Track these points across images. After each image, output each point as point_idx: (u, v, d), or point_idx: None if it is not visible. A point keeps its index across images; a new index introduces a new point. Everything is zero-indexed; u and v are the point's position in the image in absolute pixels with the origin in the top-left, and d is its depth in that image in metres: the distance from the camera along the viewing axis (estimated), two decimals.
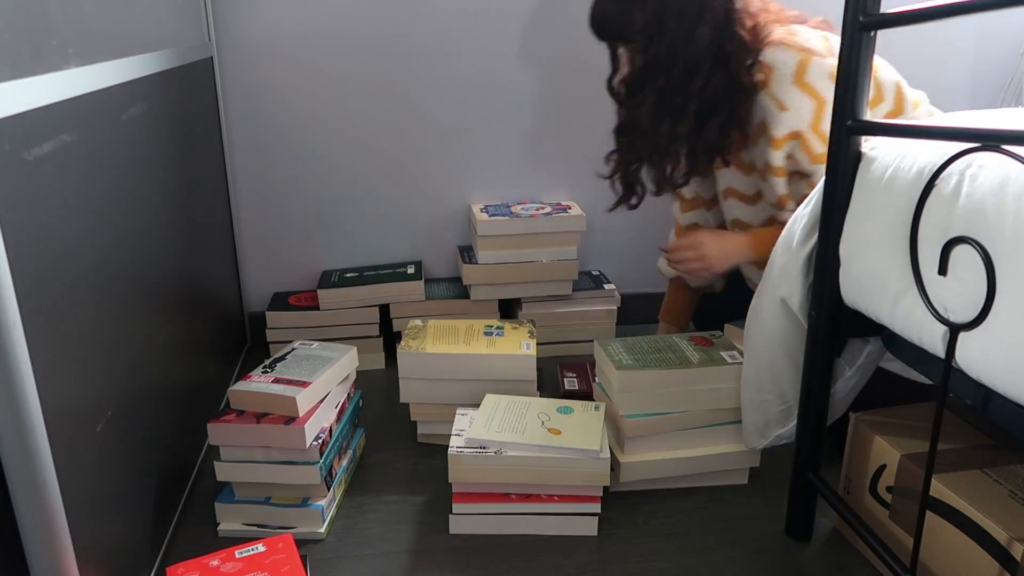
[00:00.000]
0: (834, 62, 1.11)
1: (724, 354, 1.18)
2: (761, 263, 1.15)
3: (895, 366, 1.09)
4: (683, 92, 1.18)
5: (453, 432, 1.11)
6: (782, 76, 1.14)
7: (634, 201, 1.37)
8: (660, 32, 1.17)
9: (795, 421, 1.05)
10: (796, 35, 1.16)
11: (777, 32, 1.17)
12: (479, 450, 1.07)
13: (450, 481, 1.07)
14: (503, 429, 1.11)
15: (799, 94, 1.14)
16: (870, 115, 1.14)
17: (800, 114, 1.14)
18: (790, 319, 1.01)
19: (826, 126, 1.09)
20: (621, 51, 1.27)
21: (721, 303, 1.48)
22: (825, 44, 1.16)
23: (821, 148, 1.13)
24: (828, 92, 1.11)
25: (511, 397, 1.21)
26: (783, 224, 1.04)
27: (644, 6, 1.18)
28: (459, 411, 1.17)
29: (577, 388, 1.45)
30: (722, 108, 1.19)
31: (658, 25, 1.17)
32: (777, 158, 1.18)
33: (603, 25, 1.24)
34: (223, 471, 1.09)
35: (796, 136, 1.15)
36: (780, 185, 1.20)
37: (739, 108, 1.20)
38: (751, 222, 1.30)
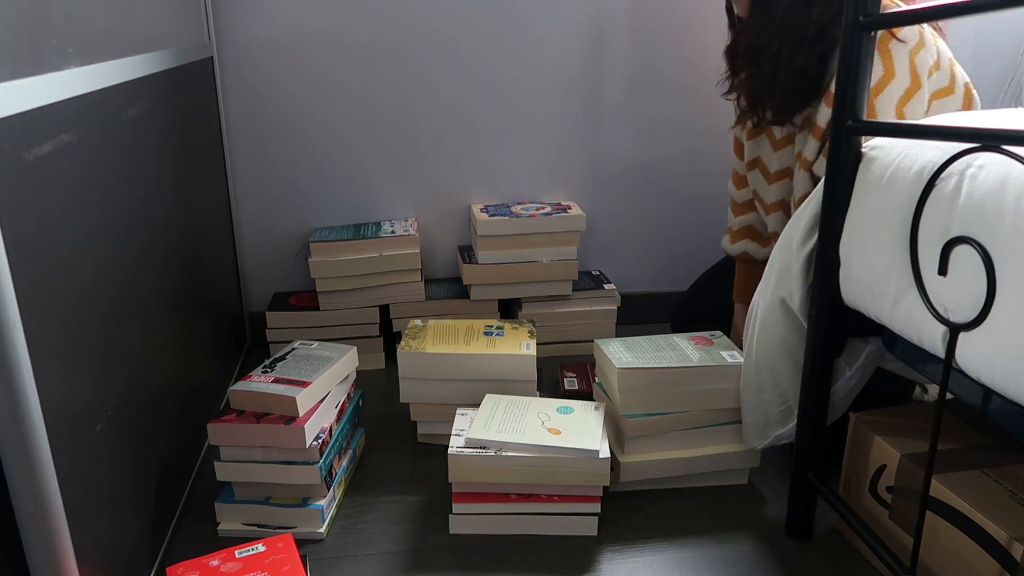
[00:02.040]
0: (918, 38, 1.11)
1: (724, 354, 1.18)
2: None
3: (895, 366, 1.09)
4: (803, 18, 1.16)
5: (453, 432, 1.11)
6: (901, 46, 1.10)
7: (755, 120, 1.32)
8: None
9: (795, 421, 1.05)
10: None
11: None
12: (479, 450, 1.07)
13: (450, 481, 1.07)
14: (503, 429, 1.11)
15: (906, 70, 1.10)
16: (939, 104, 1.14)
17: (896, 85, 1.10)
18: (790, 319, 1.01)
19: (884, 99, 1.10)
20: None
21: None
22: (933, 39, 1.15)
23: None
24: (902, 69, 1.10)
25: (511, 397, 1.21)
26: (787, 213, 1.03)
27: None
28: (459, 411, 1.17)
29: (577, 388, 1.45)
30: (831, 38, 1.16)
31: None
32: (825, 116, 1.16)
33: None
34: (223, 471, 1.09)
35: (880, 102, 1.12)
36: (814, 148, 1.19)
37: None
38: (765, 198, 1.33)
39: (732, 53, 1.32)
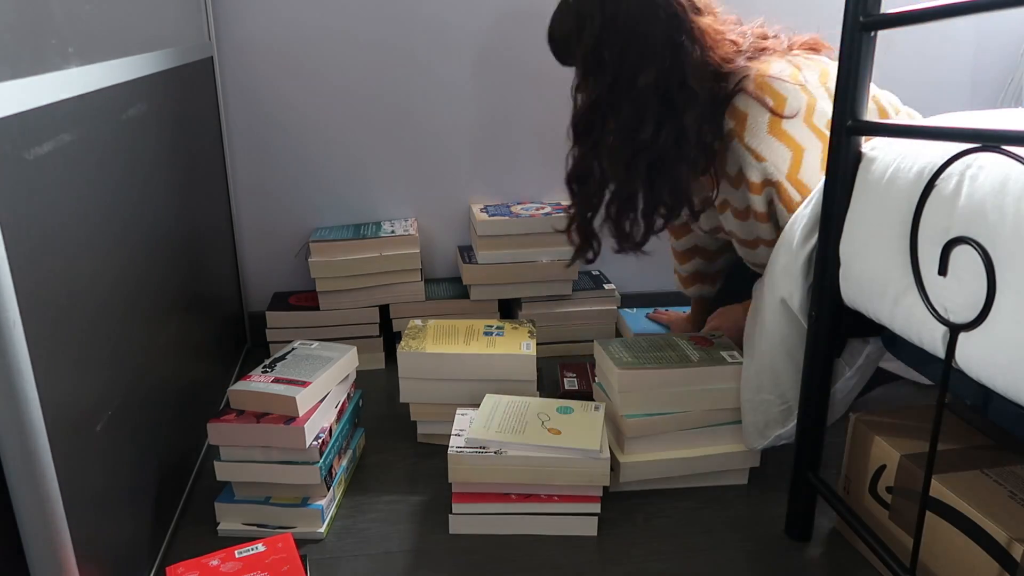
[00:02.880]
0: (806, 100, 1.08)
1: (724, 354, 1.18)
2: None
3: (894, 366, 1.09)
4: (631, 142, 1.09)
5: (453, 432, 1.11)
6: (756, 126, 1.07)
7: (590, 255, 1.27)
8: (599, 70, 1.08)
9: (795, 421, 1.05)
10: (766, 75, 1.09)
11: (744, 70, 1.10)
12: (479, 450, 1.07)
13: (450, 481, 1.07)
14: (503, 429, 1.11)
15: (775, 143, 1.07)
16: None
17: (777, 164, 1.07)
18: (790, 319, 1.01)
19: (804, 174, 1.08)
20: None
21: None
22: (793, 72, 1.10)
23: (799, 197, 1.08)
24: (806, 139, 1.06)
25: (511, 397, 1.21)
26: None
27: (582, 37, 1.08)
28: (459, 411, 1.17)
29: (577, 388, 1.45)
30: (675, 164, 1.10)
31: (596, 62, 1.08)
32: (758, 203, 1.12)
33: (555, 45, 1.18)
34: (223, 471, 1.09)
35: (773, 184, 1.09)
36: (765, 231, 1.15)
37: (698, 163, 1.11)
38: (745, 237, 1.22)
39: (574, 180, 1.21)
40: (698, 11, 1.09)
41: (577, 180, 1.19)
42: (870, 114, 1.08)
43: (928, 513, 0.87)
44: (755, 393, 1.09)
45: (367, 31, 1.62)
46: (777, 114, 1.07)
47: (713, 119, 1.11)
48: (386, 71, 1.65)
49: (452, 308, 1.68)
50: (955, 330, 0.72)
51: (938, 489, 0.87)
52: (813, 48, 1.21)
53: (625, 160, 1.12)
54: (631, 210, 1.17)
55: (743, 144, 1.09)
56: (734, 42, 1.13)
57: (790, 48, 1.20)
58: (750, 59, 1.13)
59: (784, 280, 1.00)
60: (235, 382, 1.14)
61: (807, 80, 1.11)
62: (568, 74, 1.70)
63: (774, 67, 1.11)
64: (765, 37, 1.18)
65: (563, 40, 1.16)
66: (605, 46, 1.08)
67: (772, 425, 1.09)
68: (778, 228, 1.11)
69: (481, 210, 1.70)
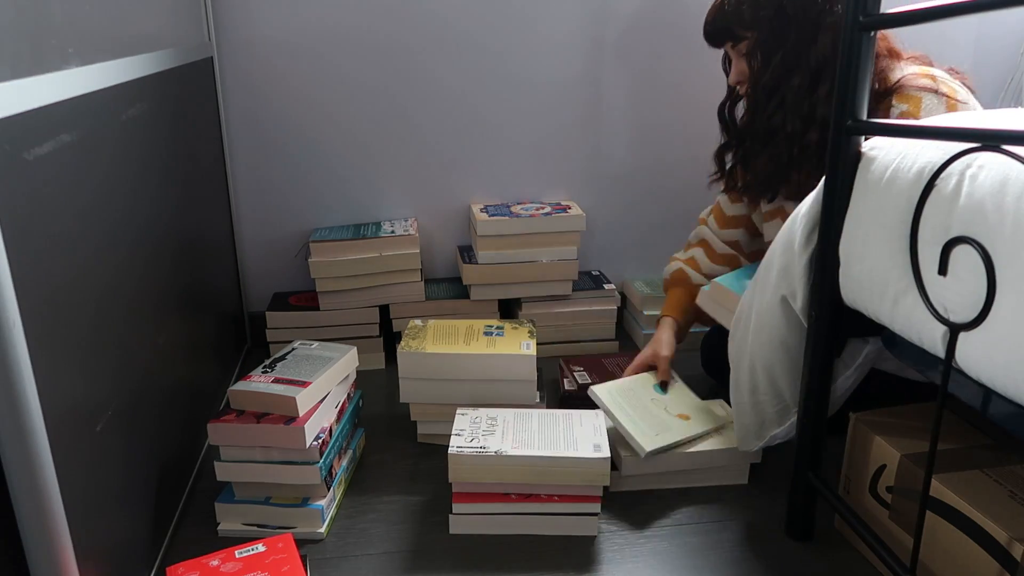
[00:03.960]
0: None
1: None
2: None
3: (891, 366, 1.09)
4: (811, 96, 1.16)
5: (453, 432, 1.11)
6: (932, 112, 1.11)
7: (771, 196, 1.31)
8: (784, 30, 1.15)
9: (791, 421, 1.05)
10: (931, 73, 1.14)
11: (907, 64, 1.15)
12: (479, 449, 1.07)
13: (450, 481, 1.07)
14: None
15: None
16: None
17: None
18: (789, 318, 1.00)
19: None
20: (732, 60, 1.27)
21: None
22: (952, 89, 1.14)
23: None
24: None
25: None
26: None
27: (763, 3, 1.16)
28: (459, 411, 1.18)
29: (589, 382, 1.45)
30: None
31: (782, 23, 1.15)
32: None
33: (731, 19, 1.22)
34: (223, 471, 1.09)
35: None
36: None
37: None
38: None
39: (741, 138, 1.31)
40: None
41: (765, 137, 1.24)
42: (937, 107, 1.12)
43: (928, 513, 0.87)
44: (750, 395, 1.08)
45: (367, 31, 1.62)
46: (953, 103, 1.10)
47: (876, 108, 1.14)
48: (386, 71, 1.65)
49: (452, 308, 1.68)
50: (955, 330, 0.72)
51: (938, 489, 0.87)
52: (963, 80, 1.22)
53: (802, 114, 1.18)
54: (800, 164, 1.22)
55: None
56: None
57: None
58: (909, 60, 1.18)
59: (785, 279, 0.99)
60: (235, 382, 1.14)
61: (967, 100, 1.13)
62: (569, 74, 1.71)
63: (936, 71, 1.15)
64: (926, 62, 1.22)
65: (735, 9, 1.20)
66: (786, 4, 1.15)
67: (768, 426, 1.08)
68: None
69: (481, 210, 1.70)
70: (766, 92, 1.21)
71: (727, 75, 1.33)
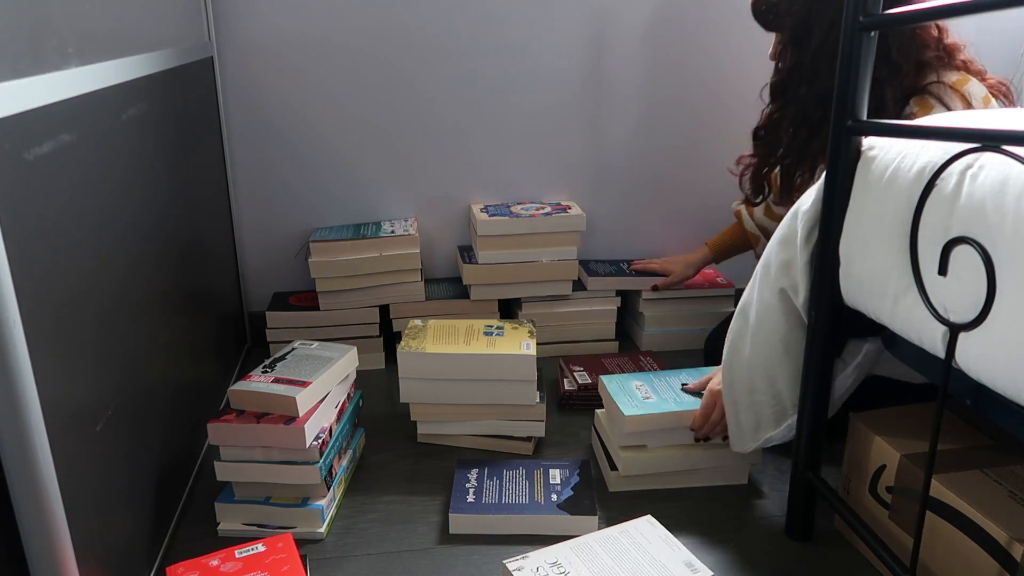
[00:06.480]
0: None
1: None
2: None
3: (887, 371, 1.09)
4: (823, 107, 1.11)
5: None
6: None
7: (759, 200, 1.40)
8: (807, 38, 1.15)
9: (787, 423, 1.04)
10: (965, 85, 1.14)
11: (943, 65, 1.14)
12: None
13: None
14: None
15: None
16: None
17: None
18: (789, 317, 1.00)
19: None
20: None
21: None
22: (987, 97, 1.15)
23: None
24: None
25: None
26: None
27: (792, 7, 1.16)
28: (509, 566, 0.93)
29: (589, 382, 1.45)
30: None
31: (805, 31, 1.15)
32: None
33: (762, 14, 1.23)
34: (223, 471, 1.09)
35: None
36: None
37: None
38: None
39: (760, 133, 1.31)
40: None
41: (765, 134, 1.29)
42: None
43: (928, 513, 0.87)
44: (747, 394, 1.06)
45: (367, 31, 1.62)
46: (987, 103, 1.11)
47: (905, 100, 1.15)
48: (386, 71, 1.65)
49: (452, 308, 1.68)
50: (955, 330, 0.72)
51: (938, 489, 0.87)
52: (1005, 95, 1.21)
53: (813, 123, 1.19)
54: (809, 167, 1.26)
55: None
56: (936, 36, 1.18)
57: (982, 77, 1.21)
58: (948, 64, 1.17)
59: (786, 273, 0.98)
60: (235, 382, 1.14)
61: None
62: (568, 74, 1.71)
63: (973, 85, 1.15)
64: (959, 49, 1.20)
65: (771, 7, 1.21)
66: (814, 14, 1.14)
67: (764, 427, 1.06)
68: None
69: (481, 210, 1.70)
70: (773, 91, 1.23)
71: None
